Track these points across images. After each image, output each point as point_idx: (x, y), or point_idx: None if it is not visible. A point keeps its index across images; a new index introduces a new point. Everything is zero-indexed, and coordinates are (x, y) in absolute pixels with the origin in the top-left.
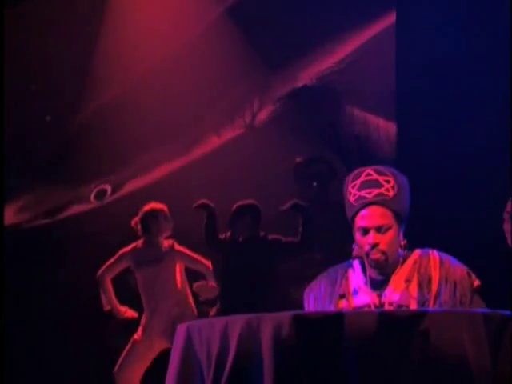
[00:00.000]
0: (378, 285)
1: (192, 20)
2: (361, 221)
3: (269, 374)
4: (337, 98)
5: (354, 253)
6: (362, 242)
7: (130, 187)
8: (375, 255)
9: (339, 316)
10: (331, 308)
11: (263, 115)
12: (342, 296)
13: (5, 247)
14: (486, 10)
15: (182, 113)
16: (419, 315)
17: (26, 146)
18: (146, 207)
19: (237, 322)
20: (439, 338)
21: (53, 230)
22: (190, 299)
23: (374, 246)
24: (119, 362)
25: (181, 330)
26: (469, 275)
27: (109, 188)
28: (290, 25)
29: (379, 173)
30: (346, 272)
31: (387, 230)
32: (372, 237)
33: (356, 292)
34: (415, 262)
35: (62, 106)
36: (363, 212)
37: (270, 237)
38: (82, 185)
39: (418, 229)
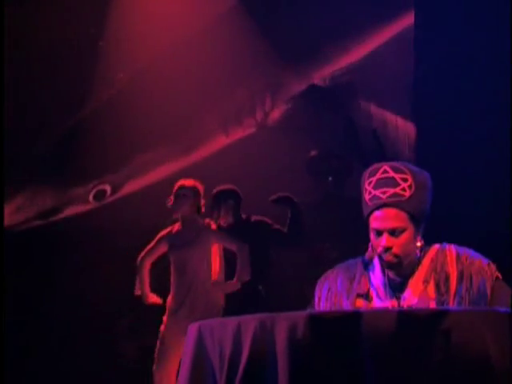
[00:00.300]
0: (397, 286)
1: (202, 10)
2: (374, 222)
3: (283, 376)
4: (353, 94)
5: (367, 254)
6: (376, 243)
7: (130, 187)
8: (388, 258)
9: (357, 315)
10: (348, 305)
11: (276, 114)
12: (361, 295)
13: (4, 248)
14: (506, 8)
15: (187, 110)
16: (440, 314)
17: (23, 144)
18: (178, 184)
19: (250, 322)
20: (461, 338)
21: (50, 229)
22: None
23: (387, 249)
24: (156, 359)
25: (192, 329)
26: (488, 265)
27: (108, 188)
28: (306, 20)
29: (396, 170)
30: (366, 269)
31: (401, 232)
32: (385, 239)
33: (375, 293)
34: (432, 261)
35: (61, 104)
36: (377, 213)
37: (254, 218)
38: (79, 185)
39: (439, 227)
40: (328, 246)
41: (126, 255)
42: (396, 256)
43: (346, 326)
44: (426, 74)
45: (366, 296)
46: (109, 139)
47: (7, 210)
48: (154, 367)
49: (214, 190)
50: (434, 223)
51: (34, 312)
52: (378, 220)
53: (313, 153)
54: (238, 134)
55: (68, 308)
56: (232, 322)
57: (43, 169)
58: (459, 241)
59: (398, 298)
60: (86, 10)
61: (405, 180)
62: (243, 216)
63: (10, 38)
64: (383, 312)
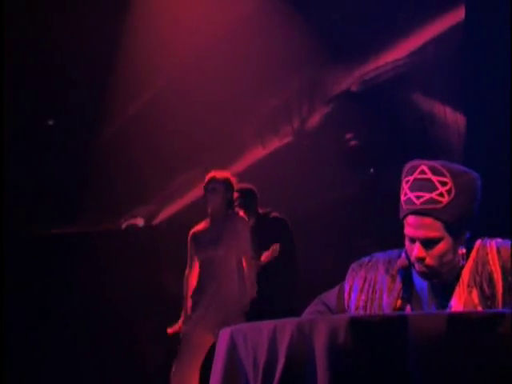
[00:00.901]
0: (443, 293)
1: (226, 13)
2: (407, 228)
3: None
4: (400, 84)
5: (399, 262)
6: (409, 250)
7: (166, 214)
8: (420, 269)
9: (403, 319)
10: (388, 305)
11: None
12: (404, 299)
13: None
14: None
15: (220, 124)
16: (493, 317)
17: (42, 169)
18: (209, 176)
19: (286, 327)
20: None
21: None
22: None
23: (420, 259)
24: (174, 364)
25: (224, 335)
26: None
27: (141, 222)
28: (350, 13)
29: (435, 172)
30: (410, 271)
31: (436, 243)
32: (417, 249)
33: (419, 298)
34: (474, 261)
35: (82, 125)
36: (410, 219)
37: (273, 215)
38: (109, 219)
39: (489, 223)
40: (369, 243)
41: (150, 257)
42: (429, 267)
43: (391, 330)
44: (476, 65)
45: (409, 299)
46: (139, 165)
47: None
48: (172, 371)
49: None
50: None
51: (55, 316)
52: (410, 227)
53: (352, 143)
54: (275, 143)
55: (90, 311)
56: (267, 326)
57: (70, 207)
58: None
59: (444, 307)
60: (105, 20)
61: (444, 184)
62: (261, 212)
63: (29, 58)
64: (432, 316)
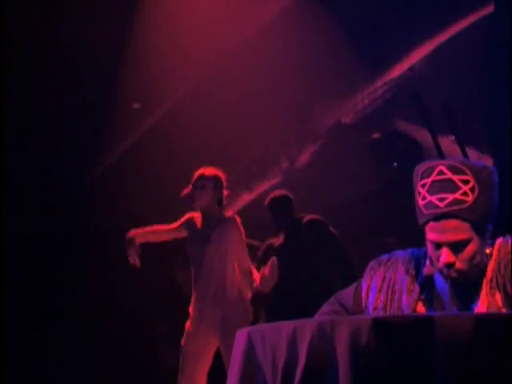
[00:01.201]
0: (466, 296)
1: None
2: (431, 233)
3: None
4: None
5: (425, 270)
6: (435, 256)
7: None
8: (451, 274)
9: (429, 321)
10: (408, 306)
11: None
12: (424, 300)
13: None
14: None
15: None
16: None
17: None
18: (198, 173)
19: (307, 327)
20: None
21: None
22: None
23: (449, 265)
24: (180, 369)
25: (241, 336)
26: None
27: None
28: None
29: (454, 170)
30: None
31: (465, 245)
32: (445, 255)
33: (441, 301)
34: (495, 261)
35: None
36: (434, 224)
37: (307, 218)
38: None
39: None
40: (393, 241)
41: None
42: (460, 272)
43: (418, 332)
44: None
45: (430, 301)
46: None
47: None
48: (179, 376)
49: (268, 199)
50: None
51: (68, 318)
52: (435, 232)
53: (375, 135)
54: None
55: (98, 312)
56: (286, 326)
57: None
58: None
59: (467, 309)
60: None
61: (466, 182)
62: (297, 217)
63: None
64: (459, 317)
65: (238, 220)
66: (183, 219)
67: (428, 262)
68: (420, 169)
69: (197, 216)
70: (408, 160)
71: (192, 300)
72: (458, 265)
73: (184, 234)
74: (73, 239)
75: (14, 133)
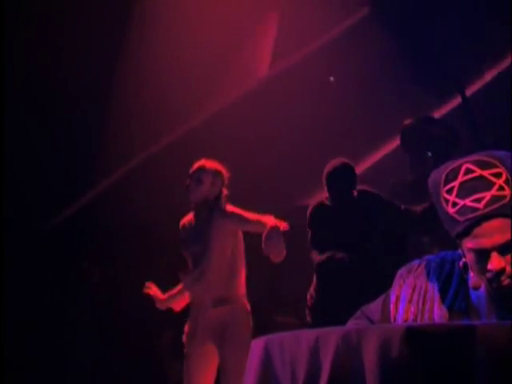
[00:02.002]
0: (504, 303)
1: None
2: (473, 241)
3: None
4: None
5: (472, 283)
6: (479, 266)
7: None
8: (504, 282)
9: (469, 330)
10: (442, 316)
11: None
12: (459, 311)
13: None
14: None
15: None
16: None
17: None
18: (197, 164)
19: (330, 337)
20: None
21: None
22: (242, 286)
23: (500, 272)
24: (184, 374)
25: (256, 346)
26: None
27: None
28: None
29: (483, 165)
30: (464, 278)
31: None
32: (496, 261)
33: (477, 311)
34: None
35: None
36: (475, 230)
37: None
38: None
39: None
40: (426, 241)
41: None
42: None
43: (457, 342)
44: None
45: (465, 311)
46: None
47: None
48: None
49: (326, 169)
50: None
51: (66, 320)
52: (478, 238)
53: (407, 121)
54: None
55: (103, 315)
56: (307, 335)
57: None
58: None
59: (506, 320)
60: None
61: (498, 175)
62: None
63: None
64: (502, 326)
65: (231, 208)
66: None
67: (472, 273)
68: (441, 173)
69: (190, 216)
70: (444, 149)
71: (189, 300)
72: (509, 269)
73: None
74: (76, 235)
75: (14, 133)
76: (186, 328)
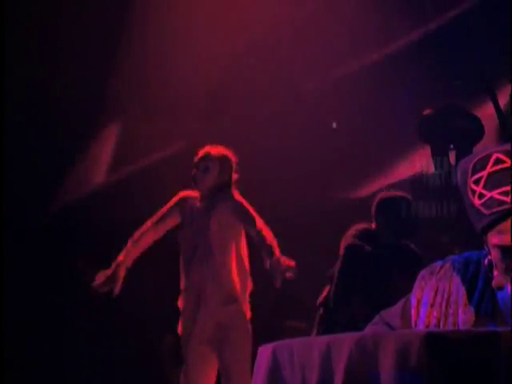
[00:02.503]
0: None
1: None
2: (499, 237)
3: None
4: None
5: (495, 282)
6: (505, 264)
7: None
8: None
9: (494, 337)
10: (466, 320)
11: None
12: (485, 315)
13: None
14: None
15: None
16: None
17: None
18: (202, 152)
19: (343, 343)
20: None
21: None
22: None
23: None
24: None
25: (264, 353)
26: None
27: None
28: None
29: None
30: (490, 280)
31: None
32: None
33: (504, 315)
34: None
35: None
36: (501, 225)
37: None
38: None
39: None
40: (446, 241)
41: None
42: None
43: (479, 350)
44: None
45: (492, 316)
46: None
47: None
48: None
49: (379, 197)
50: None
51: (63, 319)
52: (504, 234)
53: (426, 111)
54: None
55: (101, 315)
56: (318, 341)
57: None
58: None
59: None
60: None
61: None
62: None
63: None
64: None
65: (239, 198)
66: (174, 200)
67: (496, 272)
68: (468, 163)
69: (193, 196)
70: (467, 142)
71: (181, 297)
72: None
73: (177, 220)
74: (73, 232)
75: (12, 133)
76: (180, 330)
